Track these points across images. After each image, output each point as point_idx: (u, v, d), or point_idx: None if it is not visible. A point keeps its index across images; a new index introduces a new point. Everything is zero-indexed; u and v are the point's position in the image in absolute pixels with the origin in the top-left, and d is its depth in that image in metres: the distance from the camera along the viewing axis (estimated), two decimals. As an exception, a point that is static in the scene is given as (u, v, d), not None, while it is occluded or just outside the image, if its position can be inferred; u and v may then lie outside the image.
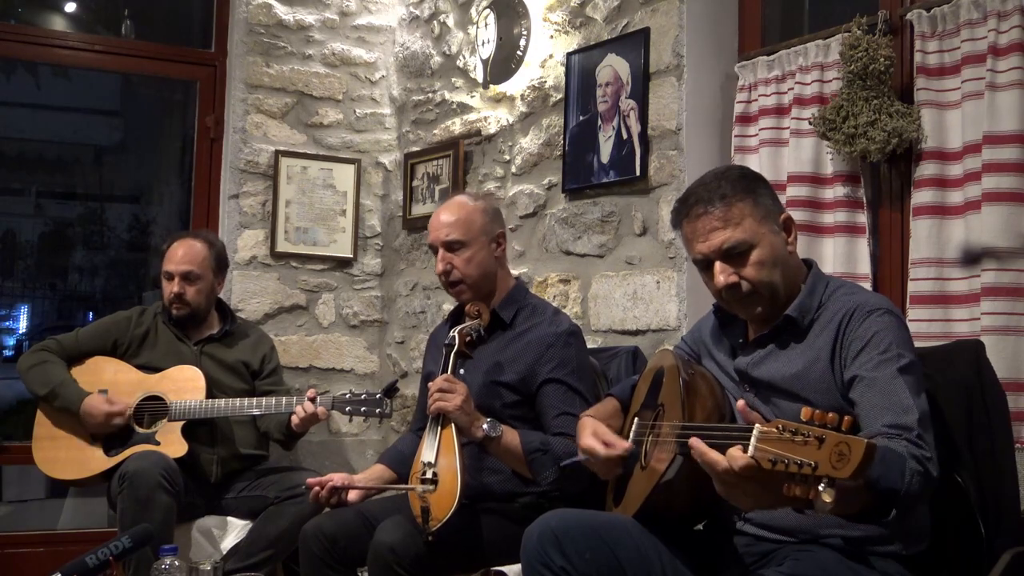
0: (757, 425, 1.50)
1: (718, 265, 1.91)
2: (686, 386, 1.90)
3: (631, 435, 2.11)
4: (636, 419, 2.13)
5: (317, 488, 2.58)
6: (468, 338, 2.57)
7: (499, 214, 2.79)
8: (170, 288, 3.37)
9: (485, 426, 2.44)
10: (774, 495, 1.47)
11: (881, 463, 1.52)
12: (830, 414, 1.41)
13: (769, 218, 1.92)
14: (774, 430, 1.46)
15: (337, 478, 2.61)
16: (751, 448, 1.49)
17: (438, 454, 2.38)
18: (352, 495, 2.59)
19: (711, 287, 1.97)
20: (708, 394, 1.95)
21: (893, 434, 1.67)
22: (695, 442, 1.60)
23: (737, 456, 1.51)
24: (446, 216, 2.67)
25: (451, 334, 2.56)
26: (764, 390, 1.95)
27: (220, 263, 3.47)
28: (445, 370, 2.51)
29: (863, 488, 1.52)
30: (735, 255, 1.90)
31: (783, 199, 2.78)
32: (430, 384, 2.49)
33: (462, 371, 2.62)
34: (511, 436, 2.47)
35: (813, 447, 1.39)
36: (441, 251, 2.66)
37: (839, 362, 1.84)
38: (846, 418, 1.40)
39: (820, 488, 1.37)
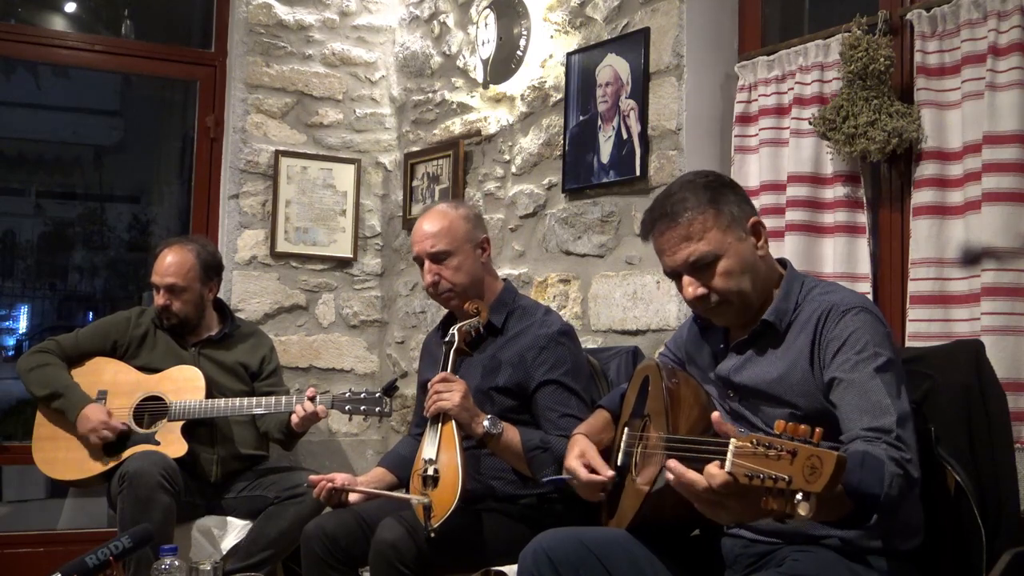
0: (733, 440, 1.51)
1: (686, 278, 1.92)
2: (669, 394, 1.91)
3: (622, 445, 2.13)
4: (626, 429, 2.14)
5: (320, 484, 2.59)
6: (468, 336, 2.57)
7: (481, 219, 2.77)
8: (157, 300, 3.38)
9: (486, 423, 2.43)
10: (755, 508, 1.47)
11: (861, 469, 1.54)
12: (802, 426, 1.42)
13: (735, 226, 1.92)
14: (748, 444, 1.46)
15: (340, 478, 2.62)
16: (728, 463, 1.50)
17: (439, 450, 2.38)
18: (352, 497, 2.60)
19: (683, 296, 1.97)
20: (693, 402, 1.96)
21: (872, 437, 1.67)
22: (672, 465, 1.61)
23: (715, 474, 1.52)
24: (428, 226, 2.62)
25: (451, 331, 2.57)
26: (749, 397, 1.95)
27: (209, 271, 3.43)
28: (445, 368, 2.51)
29: (844, 495, 1.52)
30: (702, 267, 1.90)
31: (783, 199, 2.78)
32: (430, 383, 2.49)
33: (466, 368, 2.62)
34: (511, 433, 2.47)
35: (786, 461, 1.39)
36: (427, 263, 2.62)
37: (818, 363, 1.84)
38: (817, 430, 1.41)
39: (796, 501, 1.37)
